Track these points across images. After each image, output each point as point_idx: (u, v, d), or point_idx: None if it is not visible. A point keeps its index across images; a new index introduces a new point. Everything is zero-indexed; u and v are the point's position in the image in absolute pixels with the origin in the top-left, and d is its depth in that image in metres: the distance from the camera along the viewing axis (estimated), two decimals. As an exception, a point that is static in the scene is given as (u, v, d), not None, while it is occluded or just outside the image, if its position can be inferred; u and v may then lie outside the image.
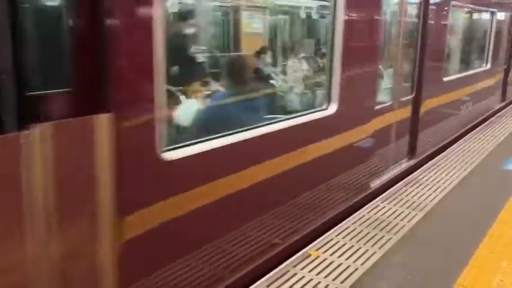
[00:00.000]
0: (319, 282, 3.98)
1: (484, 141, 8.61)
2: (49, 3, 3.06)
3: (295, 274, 4.08)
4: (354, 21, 4.92)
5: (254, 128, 3.91)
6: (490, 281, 4.06)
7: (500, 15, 10.47)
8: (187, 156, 3.24)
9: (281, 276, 4.03)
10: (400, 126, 6.43)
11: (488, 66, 10.27)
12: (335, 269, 4.18)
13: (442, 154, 7.72)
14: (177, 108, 4.23)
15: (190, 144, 3.35)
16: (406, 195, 5.95)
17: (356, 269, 4.18)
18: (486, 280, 4.07)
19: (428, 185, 6.34)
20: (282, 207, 4.30)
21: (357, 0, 4.98)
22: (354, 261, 4.32)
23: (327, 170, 4.91)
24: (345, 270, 4.17)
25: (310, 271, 4.14)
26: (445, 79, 7.74)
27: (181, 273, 3.38)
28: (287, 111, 5.26)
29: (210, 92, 4.75)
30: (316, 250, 4.49)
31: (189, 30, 5.22)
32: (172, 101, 4.18)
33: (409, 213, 5.41)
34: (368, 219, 5.23)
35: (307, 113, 4.62)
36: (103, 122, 2.64)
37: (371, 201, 5.65)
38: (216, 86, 4.91)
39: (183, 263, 3.38)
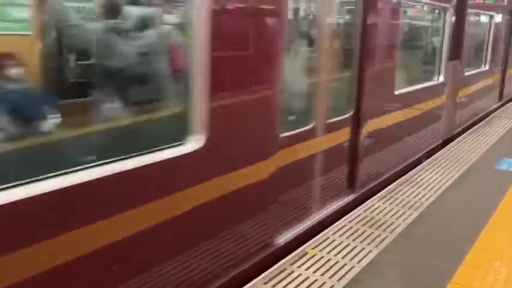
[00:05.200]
0: (316, 280, 4.02)
1: (477, 142, 8.70)
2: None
3: (292, 272, 4.12)
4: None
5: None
6: (485, 279, 4.12)
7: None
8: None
9: (278, 274, 4.07)
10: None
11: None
12: (332, 267, 4.23)
13: (437, 154, 7.84)
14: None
15: None
16: (402, 195, 6.01)
17: (352, 267, 4.23)
18: (481, 279, 4.13)
19: (423, 184, 6.40)
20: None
21: None
22: (350, 260, 4.36)
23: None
24: (341, 268, 4.21)
25: (307, 269, 4.18)
26: None
27: None
28: None
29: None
30: (313, 248, 4.53)
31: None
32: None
33: (405, 212, 5.47)
34: (364, 217, 5.28)
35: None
36: None
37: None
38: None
39: None
